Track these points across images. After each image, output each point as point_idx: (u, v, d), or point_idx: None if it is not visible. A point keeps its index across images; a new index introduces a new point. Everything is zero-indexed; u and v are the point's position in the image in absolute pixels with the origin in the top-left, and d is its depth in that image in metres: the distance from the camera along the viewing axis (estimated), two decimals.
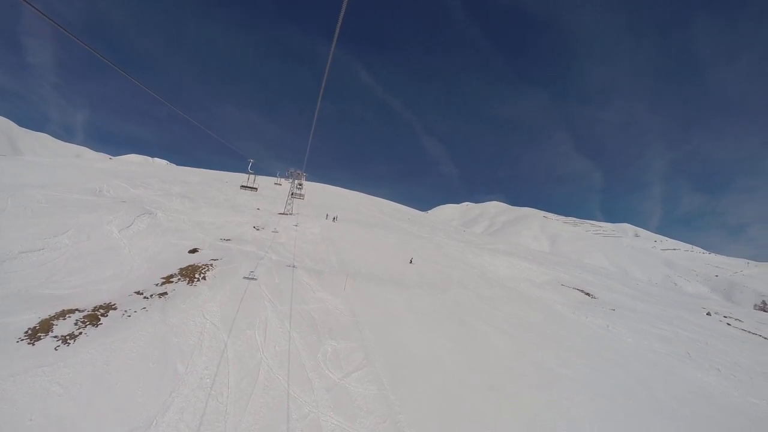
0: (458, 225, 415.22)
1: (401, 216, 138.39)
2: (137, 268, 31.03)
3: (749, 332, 53.50)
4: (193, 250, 36.98)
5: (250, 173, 61.00)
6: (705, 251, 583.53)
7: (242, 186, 63.24)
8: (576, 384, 25.30)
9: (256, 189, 64.51)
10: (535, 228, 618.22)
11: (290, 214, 74.04)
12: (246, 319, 24.59)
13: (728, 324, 57.76)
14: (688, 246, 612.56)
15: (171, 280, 28.48)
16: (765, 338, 50.68)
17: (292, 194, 77.01)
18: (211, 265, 32.58)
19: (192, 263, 32.55)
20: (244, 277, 30.71)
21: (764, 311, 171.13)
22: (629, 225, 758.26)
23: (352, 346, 24.51)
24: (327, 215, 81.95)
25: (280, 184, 78.91)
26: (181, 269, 30.84)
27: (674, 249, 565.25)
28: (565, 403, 22.50)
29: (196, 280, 29.00)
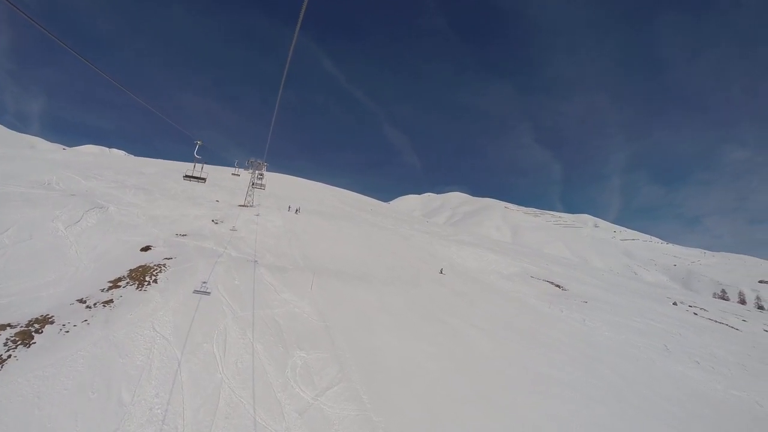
0: (420, 215, 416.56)
1: (363, 207, 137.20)
2: (83, 269, 28.30)
3: (715, 321, 55.54)
4: (146, 248, 34.45)
5: (196, 158, 46.34)
6: (662, 241, 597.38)
7: (186, 176, 50.74)
8: (567, 388, 24.65)
9: (204, 180, 51.57)
10: (497, 218, 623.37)
11: (251, 205, 71.34)
12: (202, 329, 21.98)
13: (695, 314, 59.83)
14: (647, 236, 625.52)
15: (119, 284, 25.90)
16: (731, 327, 52.73)
17: (252, 184, 74.44)
18: (164, 265, 30.04)
19: (143, 263, 29.99)
20: (195, 291, 26.72)
21: (724, 299, 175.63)
22: (588, 216, 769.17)
23: (324, 356, 22.28)
24: (289, 207, 79.48)
25: (238, 175, 74.11)
26: (130, 271, 28.28)
27: (633, 239, 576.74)
28: (561, 411, 21.27)
29: (146, 283, 26.40)
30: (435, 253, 66.72)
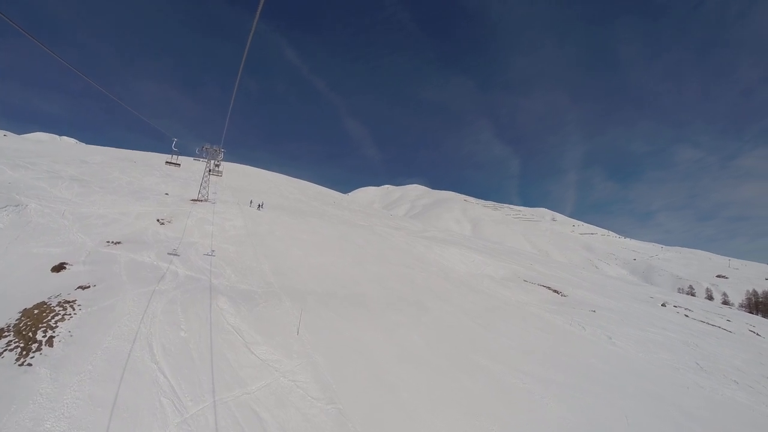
0: (379, 207, 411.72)
1: (326, 199, 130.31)
2: None
3: (707, 323, 54.94)
4: (59, 267, 25.28)
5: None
6: (619, 236, 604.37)
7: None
8: None
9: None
10: (456, 211, 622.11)
11: (205, 200, 61.96)
12: None
13: (685, 315, 58.68)
14: (604, 230, 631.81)
15: None
16: (723, 329, 52.08)
17: (209, 171, 66.95)
18: (73, 303, 19.92)
19: (45, 298, 20.46)
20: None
21: (691, 295, 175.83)
22: (546, 209, 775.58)
23: None
24: (251, 202, 70.37)
25: (178, 165, 63.46)
26: (21, 316, 18.69)
27: (591, 233, 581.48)
28: None
29: (35, 346, 16.31)
30: (421, 257, 58.97)
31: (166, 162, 66.12)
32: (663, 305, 65.75)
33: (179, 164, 66.50)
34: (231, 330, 20.67)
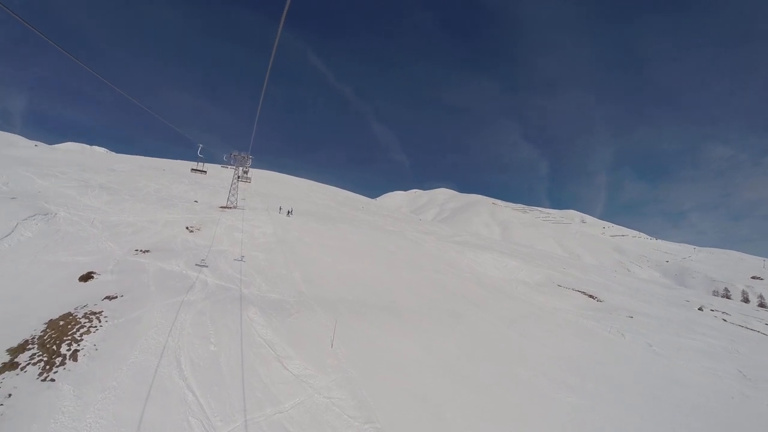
0: (407, 212, 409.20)
1: (354, 205, 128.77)
2: None
3: (746, 328, 51.85)
4: (87, 276, 24.76)
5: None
6: (650, 237, 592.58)
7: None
8: None
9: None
10: (485, 215, 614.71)
11: (234, 207, 61.41)
12: None
13: (723, 320, 56.03)
14: (635, 232, 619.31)
15: (16, 361, 15.85)
16: (763, 334, 49.39)
17: (238, 178, 66.19)
18: (99, 314, 19.30)
19: (71, 309, 19.85)
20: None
21: (727, 298, 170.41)
22: (575, 211, 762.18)
23: None
24: (280, 208, 69.62)
25: (204, 172, 63.95)
26: (46, 327, 18.10)
27: (622, 235, 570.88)
28: None
29: (58, 360, 15.58)
30: (453, 262, 57.64)
31: (192, 169, 66.14)
32: (700, 309, 63.24)
33: (205, 171, 65.81)
34: (262, 343, 19.70)
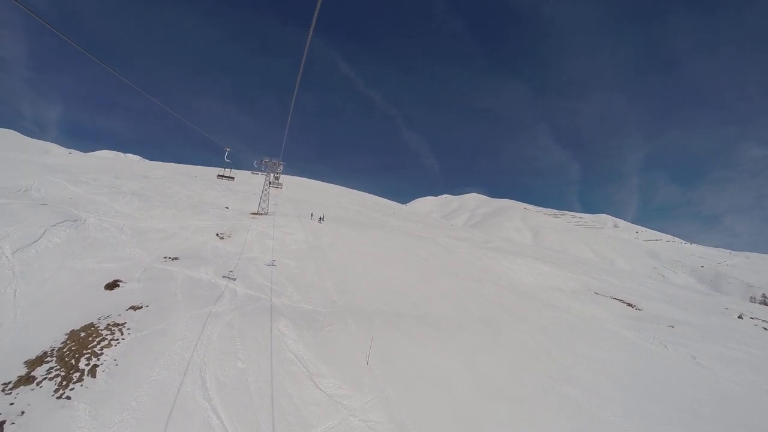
0: (438, 217, 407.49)
1: (385, 210, 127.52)
2: (7, 328, 18.62)
3: None
4: (113, 284, 24.00)
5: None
6: (684, 241, 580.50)
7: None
8: None
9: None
10: (516, 220, 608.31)
11: (266, 213, 60.67)
12: None
13: (764, 328, 54.10)
14: (669, 236, 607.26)
15: (32, 376, 15.00)
16: None
17: (269, 184, 65.52)
18: (122, 326, 18.43)
19: (94, 320, 18.95)
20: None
21: (766, 305, 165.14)
22: (608, 216, 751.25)
23: None
24: (312, 214, 68.78)
25: (232, 178, 61.45)
26: (67, 338, 17.26)
27: (656, 240, 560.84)
28: None
29: (76, 376, 14.73)
30: (488, 269, 56.05)
31: (218, 176, 60.82)
32: (739, 317, 60.79)
33: (233, 178, 61.02)
34: (293, 359, 18.42)
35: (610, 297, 54.04)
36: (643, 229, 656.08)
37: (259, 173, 66.90)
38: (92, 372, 14.89)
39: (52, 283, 24.00)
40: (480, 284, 44.55)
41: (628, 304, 51.72)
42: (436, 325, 27.28)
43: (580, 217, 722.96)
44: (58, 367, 15.30)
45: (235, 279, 27.99)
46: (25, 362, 15.65)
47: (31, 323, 19.16)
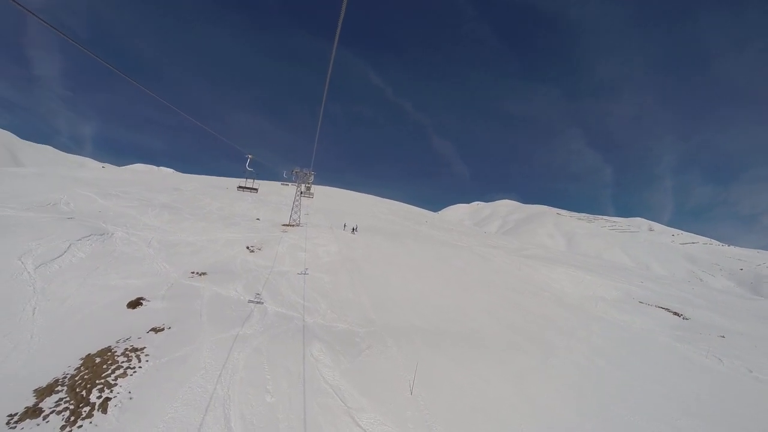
0: (470, 225, 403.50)
1: (418, 219, 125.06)
2: (21, 350, 17.56)
3: None
4: (136, 303, 22.63)
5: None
6: (722, 243, 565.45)
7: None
8: None
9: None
10: (549, 226, 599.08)
11: (297, 224, 59.28)
12: None
13: None
14: (706, 239, 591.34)
15: (39, 408, 13.40)
16: None
17: (301, 194, 64.29)
18: (140, 351, 16.85)
19: (112, 344, 17.41)
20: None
21: None
22: (642, 219, 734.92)
23: None
24: (345, 225, 67.02)
25: (255, 190, 60.18)
26: (81, 364, 15.76)
27: (693, 242, 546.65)
28: None
29: (85, 410, 13.20)
30: (528, 279, 53.73)
31: (239, 187, 57.17)
32: None
33: (256, 189, 57.73)
34: (329, 390, 16.36)
35: (655, 305, 51.62)
36: (679, 231, 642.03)
37: (290, 184, 65.98)
38: (103, 406, 13.26)
39: (73, 300, 22.95)
40: (521, 296, 42.39)
41: (675, 313, 49.31)
42: (480, 344, 25.14)
43: (614, 222, 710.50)
44: (68, 398, 13.77)
45: (262, 303, 25.98)
46: (35, 391, 14.24)
47: (47, 345, 17.94)
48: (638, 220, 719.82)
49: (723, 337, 38.73)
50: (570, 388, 21.25)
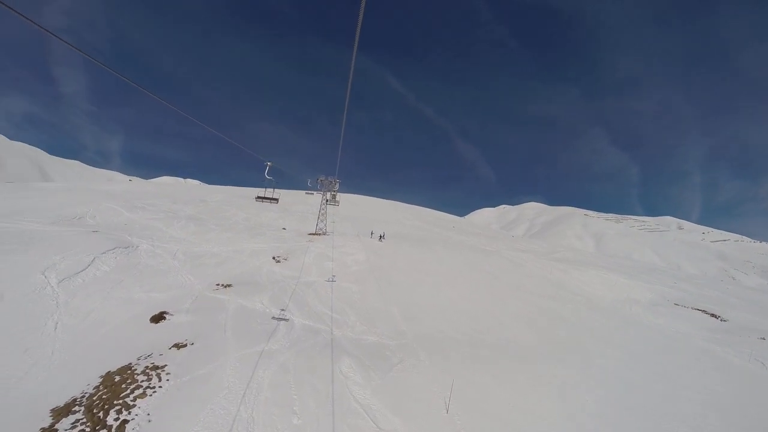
0: (497, 229, 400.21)
1: (445, 224, 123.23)
2: (43, 366, 17.38)
3: None
4: (159, 317, 22.07)
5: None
6: (753, 240, 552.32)
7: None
8: None
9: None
10: (577, 227, 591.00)
11: (324, 233, 58.58)
12: None
13: None
14: (737, 236, 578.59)
15: (55, 430, 12.48)
16: None
17: (326, 201, 64.05)
18: (161, 369, 15.98)
19: (132, 361, 16.70)
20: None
21: None
22: (671, 218, 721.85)
23: None
24: (372, 233, 66.60)
25: (275, 200, 58.08)
26: (100, 383, 15.12)
27: (724, 240, 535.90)
28: None
29: None
30: (560, 284, 52.14)
31: (258, 197, 53.66)
32: None
33: (276, 199, 53.62)
34: (359, 410, 15.05)
35: (691, 307, 49.84)
36: (709, 229, 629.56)
37: (315, 192, 65.51)
38: (120, 430, 12.45)
39: (96, 314, 22.79)
40: (556, 302, 41.00)
41: (711, 315, 47.30)
42: (517, 355, 23.80)
43: (642, 221, 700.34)
44: (85, 420, 13.09)
45: (287, 320, 24.78)
46: (52, 411, 13.73)
47: (67, 362, 17.63)
48: (667, 218, 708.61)
49: (764, 339, 37.07)
50: (613, 401, 19.82)
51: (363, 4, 8.53)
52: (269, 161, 45.50)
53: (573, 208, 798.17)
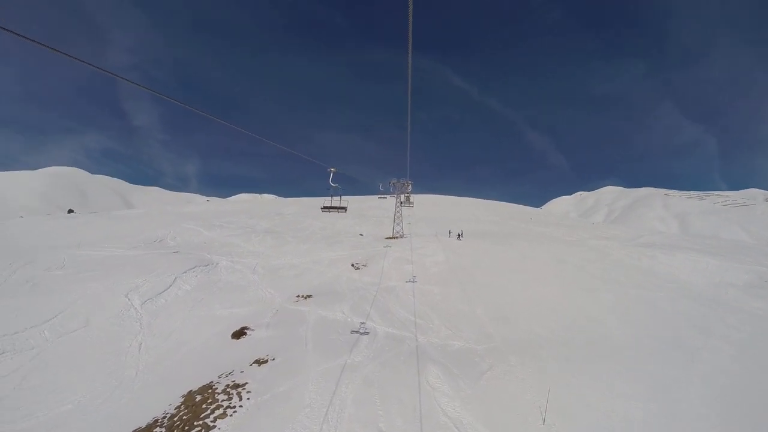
0: (576, 217, 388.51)
1: (522, 217, 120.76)
2: (126, 385, 18.09)
3: None
4: (240, 333, 21.89)
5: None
6: None
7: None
8: None
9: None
10: (659, 208, 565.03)
11: (401, 236, 57.89)
12: None
13: None
14: None
15: None
16: None
17: (401, 204, 63.86)
18: (243, 387, 15.51)
19: (214, 379, 16.38)
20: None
21: None
22: (757, 190, 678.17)
23: None
24: (449, 232, 64.96)
25: (343, 209, 53.61)
26: (182, 402, 14.97)
27: None
28: None
29: None
30: (650, 271, 48.94)
31: (323, 208, 45.74)
32: None
33: (345, 208, 45.71)
34: (449, 425, 13.67)
35: None
36: None
37: (388, 196, 65.03)
38: None
39: (179, 334, 23.18)
40: (649, 292, 38.31)
41: None
42: (614, 354, 21.76)
43: (726, 196, 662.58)
44: None
45: (368, 333, 23.56)
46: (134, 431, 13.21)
47: (150, 383, 17.95)
48: (752, 191, 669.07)
49: None
50: (722, 402, 17.32)
51: (411, 7, 8.65)
52: (333, 167, 38.84)
53: (652, 188, 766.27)
